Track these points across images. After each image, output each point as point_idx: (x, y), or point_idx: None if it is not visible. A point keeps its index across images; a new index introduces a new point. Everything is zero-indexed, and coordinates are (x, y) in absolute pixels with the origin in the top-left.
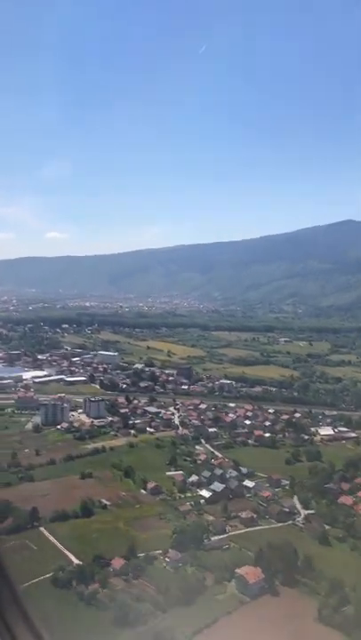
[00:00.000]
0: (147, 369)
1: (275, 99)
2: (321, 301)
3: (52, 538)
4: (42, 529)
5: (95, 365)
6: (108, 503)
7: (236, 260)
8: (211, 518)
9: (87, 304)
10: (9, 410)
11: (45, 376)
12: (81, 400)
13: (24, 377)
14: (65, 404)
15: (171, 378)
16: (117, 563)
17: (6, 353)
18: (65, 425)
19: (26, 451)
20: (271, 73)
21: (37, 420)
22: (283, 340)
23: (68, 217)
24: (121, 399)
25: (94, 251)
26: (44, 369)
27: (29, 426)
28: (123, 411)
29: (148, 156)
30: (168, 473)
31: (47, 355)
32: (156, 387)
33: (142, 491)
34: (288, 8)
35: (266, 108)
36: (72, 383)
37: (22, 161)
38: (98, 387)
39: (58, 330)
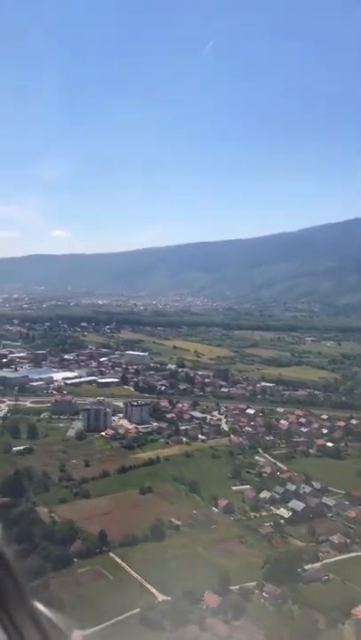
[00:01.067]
0: (180, 370)
1: (284, 94)
2: (336, 300)
3: (125, 565)
4: (112, 554)
5: (125, 366)
6: (179, 523)
7: (245, 259)
8: (299, 543)
9: (100, 302)
10: (45, 415)
11: (76, 377)
12: (118, 404)
13: (54, 378)
14: (107, 409)
15: (207, 380)
16: (211, 599)
17: (31, 352)
18: (110, 432)
19: (74, 461)
20: (281, 67)
21: (78, 425)
22: (309, 339)
23: (72, 215)
24: (164, 403)
25: (99, 249)
26: (72, 370)
27: (71, 432)
28: (169, 416)
29: (153, 154)
30: (234, 487)
31: (73, 355)
32: (195, 389)
33: (214, 509)
34: (293, 4)
35: (276, 104)
36: (105, 385)
37: (26, 159)
38: (132, 389)
39: (77, 329)
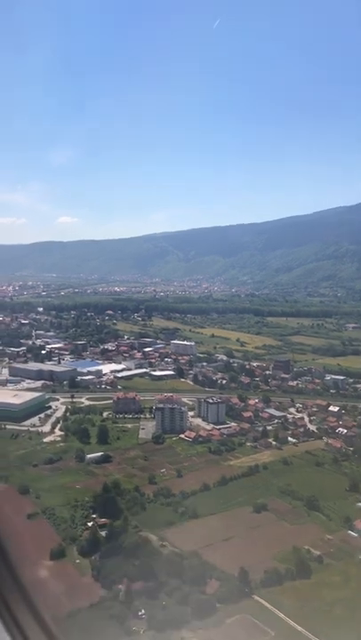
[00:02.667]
0: (231, 361)
1: (301, 76)
2: (358, 284)
3: (279, 613)
4: (257, 597)
5: (174, 357)
6: (317, 553)
7: (260, 243)
8: None
9: (117, 289)
10: (107, 414)
11: (125, 370)
12: (183, 399)
13: (103, 371)
14: (183, 408)
15: (268, 372)
16: None
17: (70, 343)
18: (191, 434)
19: (162, 471)
20: (298, 46)
21: (148, 426)
22: (350, 326)
23: (80, 201)
24: (234, 399)
25: (110, 235)
26: (118, 361)
27: (143, 435)
28: (246, 415)
29: (163, 137)
30: (360, 504)
31: (113, 345)
32: (258, 382)
33: (351, 533)
34: None
35: (290, 87)
36: (159, 378)
37: (31, 145)
38: (190, 382)
39: (105, 317)
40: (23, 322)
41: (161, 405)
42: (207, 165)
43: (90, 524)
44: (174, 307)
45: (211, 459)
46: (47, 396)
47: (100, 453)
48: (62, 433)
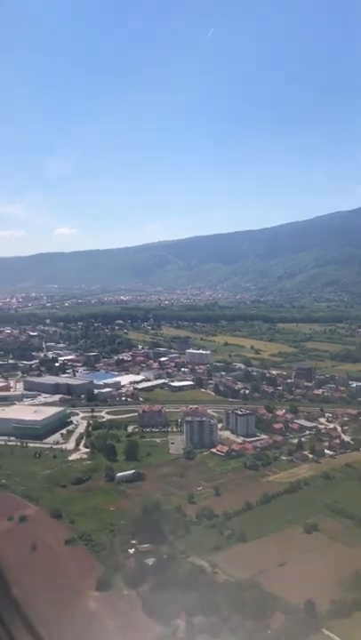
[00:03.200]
0: (250, 369)
1: (299, 82)
2: None
3: None
4: (326, 632)
5: (190, 366)
6: None
7: (260, 250)
8: None
9: (122, 298)
10: (132, 428)
11: (143, 381)
12: (209, 411)
13: (122, 383)
14: (212, 421)
15: (289, 380)
16: None
17: (81, 354)
18: (223, 448)
19: (199, 489)
20: (291, 54)
21: (177, 440)
22: None
23: (76, 212)
24: (261, 410)
25: (106, 245)
26: (134, 372)
27: (174, 450)
28: (276, 426)
29: (161, 145)
30: None
31: (127, 355)
32: (282, 392)
33: None
34: None
35: (288, 93)
36: (179, 389)
37: (27, 158)
38: (211, 393)
39: (115, 327)
40: (32, 334)
41: (189, 418)
42: (204, 174)
43: (132, 551)
44: (181, 315)
45: (247, 474)
46: (68, 411)
47: (131, 471)
48: (88, 450)
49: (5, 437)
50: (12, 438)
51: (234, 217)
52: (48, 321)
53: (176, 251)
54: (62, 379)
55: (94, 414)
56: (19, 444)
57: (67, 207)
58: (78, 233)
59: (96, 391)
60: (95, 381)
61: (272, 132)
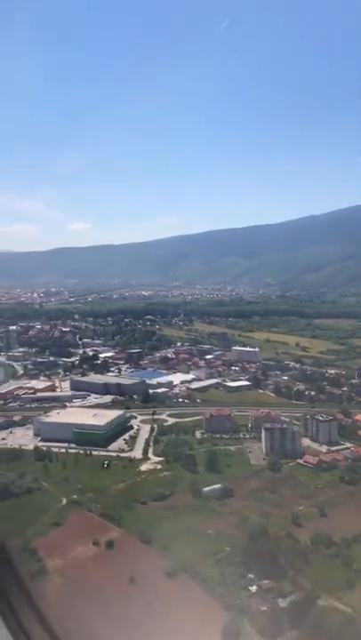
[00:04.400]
0: (305, 368)
1: (316, 73)
2: None
3: None
4: None
5: (242, 365)
6: None
7: (282, 243)
8: None
9: (144, 293)
10: (200, 434)
11: (194, 380)
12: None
13: (174, 382)
14: (294, 428)
15: (354, 380)
16: None
17: (123, 351)
18: (312, 459)
19: (300, 508)
20: (308, 44)
21: (254, 448)
22: None
23: (92, 207)
24: (337, 415)
25: (123, 239)
26: (186, 371)
27: (254, 460)
28: None
29: (173, 139)
30: None
31: (170, 352)
32: (351, 394)
33: None
34: None
35: (306, 84)
36: (236, 389)
37: (40, 154)
38: (271, 394)
39: (146, 322)
40: (64, 329)
41: (269, 425)
42: (221, 167)
43: (254, 589)
44: (209, 310)
45: (348, 490)
46: (128, 415)
47: (217, 485)
48: (159, 459)
49: (65, 444)
50: (72, 445)
51: (253, 211)
52: (76, 316)
53: (194, 245)
54: (112, 378)
55: (154, 417)
56: (80, 451)
57: (81, 202)
58: (93, 228)
59: (151, 391)
60: (147, 381)
61: (292, 124)
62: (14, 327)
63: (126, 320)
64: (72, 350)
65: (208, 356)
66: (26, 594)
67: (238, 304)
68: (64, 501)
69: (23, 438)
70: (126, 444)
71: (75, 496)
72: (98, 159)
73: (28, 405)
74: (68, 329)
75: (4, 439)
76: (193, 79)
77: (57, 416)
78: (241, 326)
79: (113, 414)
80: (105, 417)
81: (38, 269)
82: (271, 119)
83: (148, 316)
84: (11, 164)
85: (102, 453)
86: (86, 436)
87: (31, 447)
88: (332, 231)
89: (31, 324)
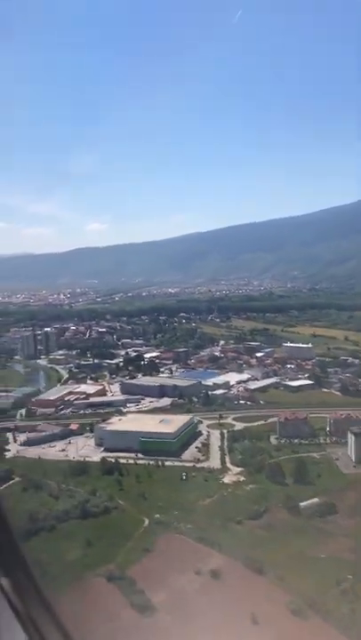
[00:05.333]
0: None
1: (334, 65)
2: None
3: None
4: None
5: (296, 362)
6: None
7: (305, 236)
8: None
9: (171, 290)
10: (275, 440)
11: (250, 380)
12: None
13: (230, 383)
14: None
15: None
16: None
17: (167, 351)
18: None
19: None
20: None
21: (339, 455)
22: None
23: (107, 207)
24: None
25: (139, 238)
26: (240, 370)
27: (345, 469)
28: None
29: (187, 134)
30: None
31: (217, 350)
32: None
33: None
34: None
35: (322, 75)
36: (297, 389)
37: (54, 154)
38: (337, 393)
39: (182, 320)
40: (100, 330)
41: (356, 429)
42: (236, 161)
43: None
44: (243, 306)
45: None
46: (195, 420)
47: (315, 500)
48: (239, 469)
49: (131, 454)
50: (140, 455)
51: (270, 204)
52: (108, 316)
53: (213, 241)
54: (165, 379)
55: (221, 422)
56: (151, 462)
57: (97, 202)
58: (109, 228)
59: (210, 393)
60: (203, 382)
61: (312, 115)
62: (49, 329)
63: (161, 318)
64: (113, 351)
65: (258, 354)
66: (39, 593)
67: (270, 299)
68: (146, 522)
69: (85, 449)
70: (200, 452)
71: (157, 515)
72: (111, 159)
73: (83, 412)
74: (103, 329)
75: (64, 450)
76: (197, 76)
77: (119, 423)
78: (280, 321)
79: (180, 420)
80: (173, 423)
81: (58, 271)
82: (287, 110)
83: (181, 314)
84: (25, 166)
85: (176, 464)
86: (156, 445)
87: (97, 459)
88: (355, 223)
89: (65, 326)
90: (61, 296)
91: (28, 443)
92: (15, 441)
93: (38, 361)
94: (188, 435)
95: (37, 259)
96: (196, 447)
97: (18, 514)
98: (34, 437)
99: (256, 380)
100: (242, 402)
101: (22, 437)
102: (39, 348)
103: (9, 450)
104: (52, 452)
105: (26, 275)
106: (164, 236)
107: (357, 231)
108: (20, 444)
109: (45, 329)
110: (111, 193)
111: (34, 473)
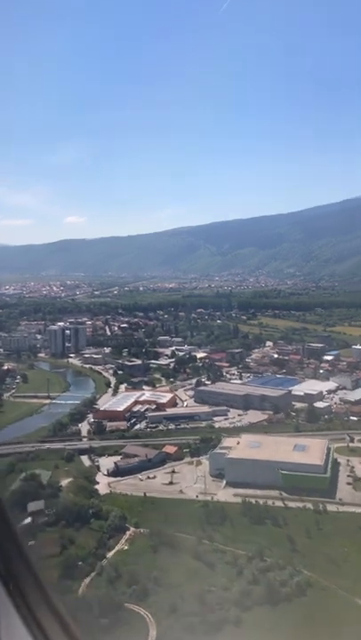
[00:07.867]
0: None
1: (321, 58)
2: None
3: None
4: None
5: None
6: None
7: (300, 233)
8: None
9: (169, 285)
10: None
11: (339, 389)
12: None
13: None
14: None
15: None
16: None
17: (216, 351)
18: None
19: None
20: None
21: None
22: None
23: (94, 199)
24: None
25: (125, 231)
26: (326, 378)
27: None
28: None
29: (179, 124)
30: None
31: (275, 352)
32: None
33: None
34: None
35: (321, 69)
36: None
37: (35, 148)
38: None
39: (205, 316)
40: (121, 325)
41: None
42: (227, 155)
43: None
44: (258, 302)
45: None
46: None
47: None
48: None
49: (267, 490)
50: (284, 494)
51: (264, 199)
52: (120, 310)
53: (204, 235)
54: (248, 387)
55: (349, 445)
56: (308, 505)
57: (80, 194)
58: (93, 220)
59: (304, 406)
60: (293, 392)
61: (311, 108)
62: (61, 324)
63: (181, 314)
64: (157, 350)
65: (327, 357)
66: (44, 594)
67: (281, 296)
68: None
69: (198, 482)
70: (354, 489)
71: None
72: (97, 151)
73: (163, 427)
74: (124, 325)
75: (172, 484)
76: (192, 67)
77: (240, 448)
78: (311, 320)
79: (318, 445)
80: (312, 450)
81: (40, 263)
82: (294, 104)
83: (200, 310)
84: (4, 157)
85: (339, 508)
86: (303, 482)
87: (225, 498)
88: (355, 219)
89: (79, 320)
90: (54, 288)
91: (118, 472)
92: (99, 469)
93: (69, 360)
94: (331, 465)
95: (17, 250)
96: (348, 483)
97: (176, 595)
98: (124, 465)
99: (344, 387)
100: (353, 418)
101: (104, 462)
102: (67, 345)
103: (97, 482)
104: (156, 485)
105: (6, 266)
106: (152, 230)
107: (353, 229)
108: (108, 474)
109: (59, 323)
110: (96, 185)
111: (152, 521)
